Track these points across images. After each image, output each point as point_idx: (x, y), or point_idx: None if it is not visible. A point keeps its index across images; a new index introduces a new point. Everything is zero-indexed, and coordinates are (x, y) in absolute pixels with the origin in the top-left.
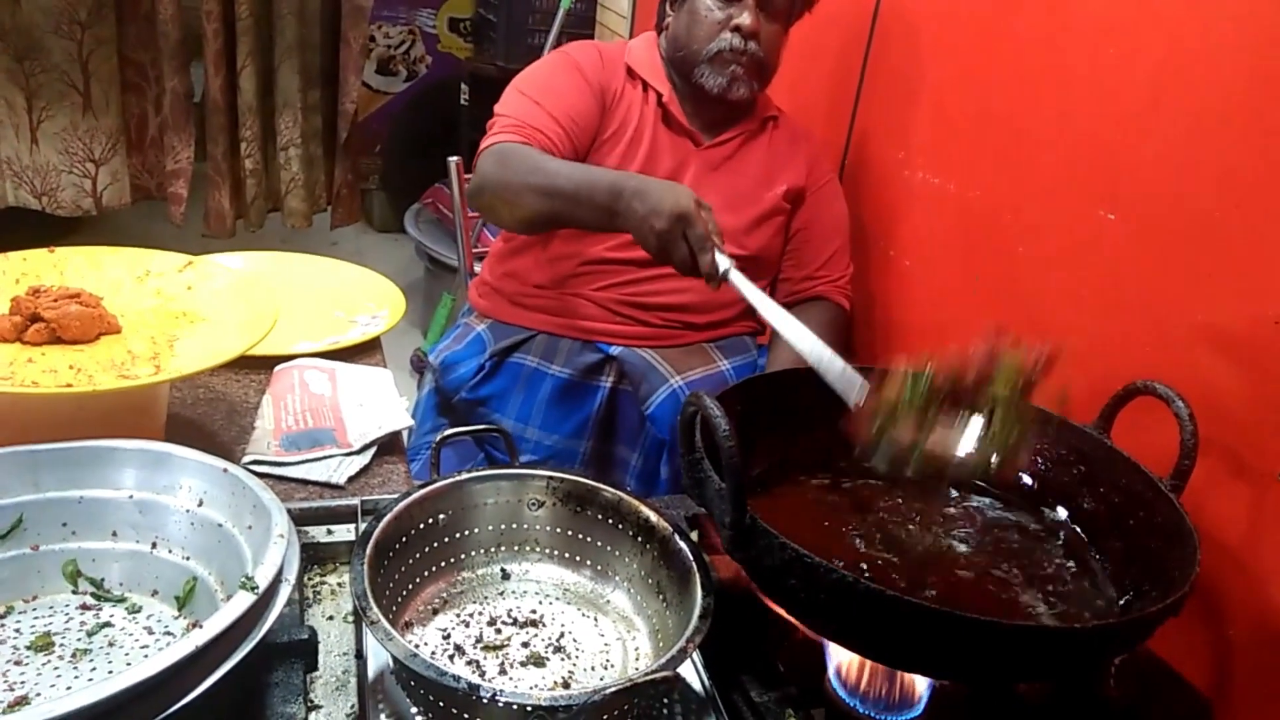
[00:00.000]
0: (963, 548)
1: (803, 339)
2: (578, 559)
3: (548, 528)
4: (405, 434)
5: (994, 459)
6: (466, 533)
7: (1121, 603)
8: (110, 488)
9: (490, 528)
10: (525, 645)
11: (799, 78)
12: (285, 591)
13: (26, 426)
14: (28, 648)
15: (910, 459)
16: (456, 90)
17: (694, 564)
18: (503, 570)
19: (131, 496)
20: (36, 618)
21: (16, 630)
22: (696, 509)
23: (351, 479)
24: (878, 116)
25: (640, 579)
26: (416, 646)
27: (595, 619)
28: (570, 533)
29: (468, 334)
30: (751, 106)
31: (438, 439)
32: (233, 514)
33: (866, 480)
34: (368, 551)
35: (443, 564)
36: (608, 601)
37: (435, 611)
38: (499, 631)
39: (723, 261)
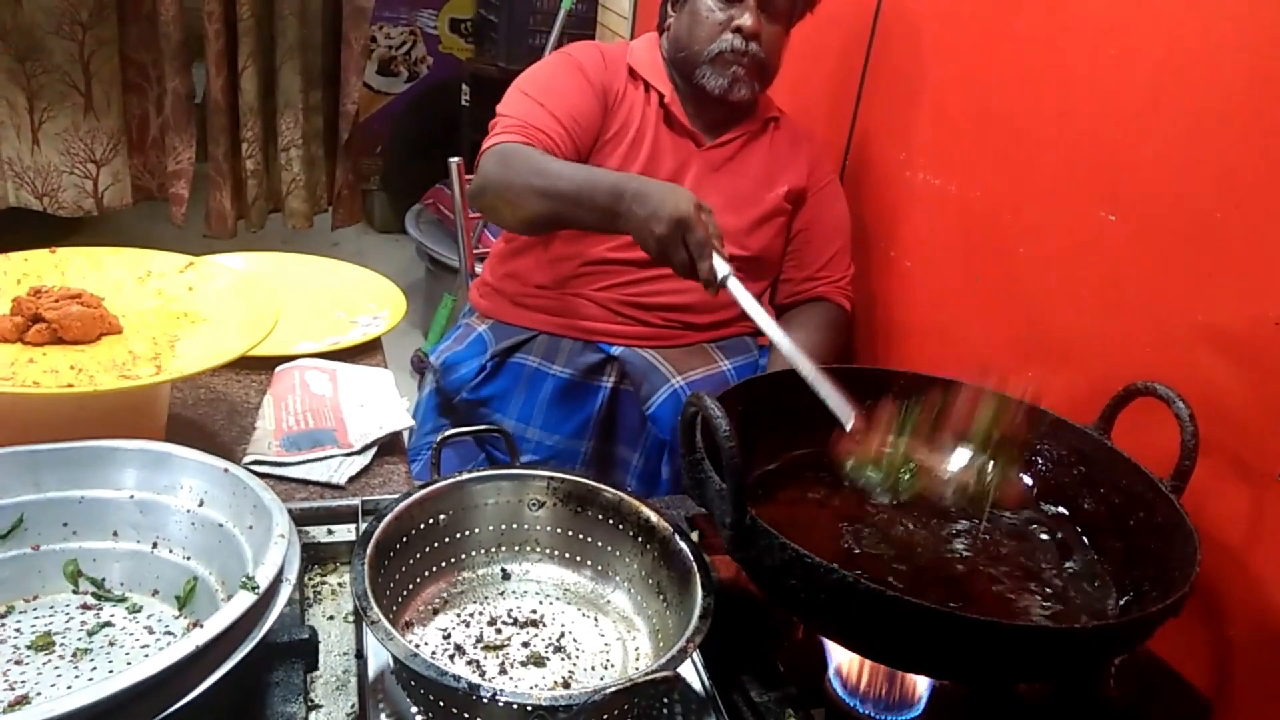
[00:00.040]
0: (962, 548)
1: (798, 363)
2: (578, 559)
3: (548, 528)
4: (406, 434)
5: (986, 492)
6: (467, 533)
7: (1121, 603)
8: (111, 488)
9: (491, 528)
10: (525, 645)
11: (800, 78)
12: (286, 591)
13: (28, 426)
14: (28, 647)
15: (897, 489)
16: (457, 91)
17: (694, 564)
18: (503, 570)
19: (132, 496)
20: (37, 617)
21: (17, 630)
22: (697, 509)
23: (352, 479)
24: (879, 117)
25: (640, 579)
26: (417, 646)
27: (595, 619)
28: (571, 533)
29: (469, 334)
30: (753, 107)
31: (438, 439)
32: (233, 514)
33: None
34: (368, 551)
35: (443, 564)
36: (608, 601)
37: (435, 611)
38: (499, 631)
39: (721, 268)
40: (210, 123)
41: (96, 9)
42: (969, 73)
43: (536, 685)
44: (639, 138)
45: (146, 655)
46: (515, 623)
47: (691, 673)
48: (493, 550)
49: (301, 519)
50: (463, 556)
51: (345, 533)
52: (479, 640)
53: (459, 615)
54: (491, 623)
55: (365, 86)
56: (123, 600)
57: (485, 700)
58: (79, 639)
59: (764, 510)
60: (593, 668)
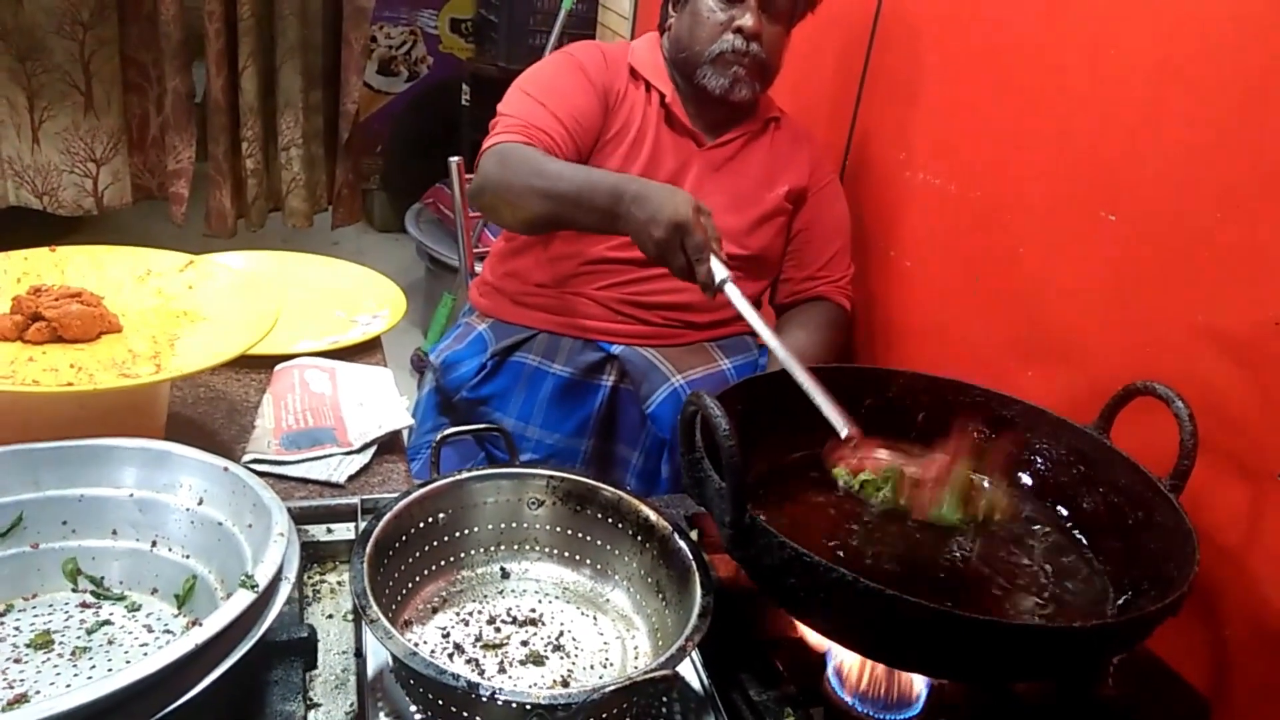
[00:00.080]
0: (962, 547)
1: (794, 371)
2: (577, 558)
3: (547, 527)
4: (405, 433)
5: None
6: (466, 532)
7: (1120, 602)
8: (110, 486)
9: (490, 527)
10: (525, 644)
11: (801, 79)
12: (285, 590)
13: (27, 425)
14: (27, 645)
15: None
16: (458, 91)
17: (693, 563)
18: (502, 569)
19: (132, 495)
20: (36, 616)
21: (16, 628)
22: (696, 508)
23: (352, 478)
24: (879, 117)
25: (640, 578)
26: (416, 645)
27: (594, 618)
28: (570, 532)
29: (469, 333)
30: (753, 107)
31: (438, 438)
32: (233, 512)
33: None
34: (368, 550)
35: (442, 563)
36: (607, 600)
37: (435, 610)
38: (498, 630)
39: (720, 272)
40: (210, 122)
41: (97, 9)
42: (969, 73)
43: (535, 684)
44: (640, 138)
45: (145, 654)
46: (514, 621)
47: (690, 671)
48: (492, 549)
49: (301, 517)
50: (462, 555)
51: (344, 531)
52: (478, 639)
53: (458, 614)
54: (490, 621)
55: (365, 86)
56: (122, 599)
57: (484, 699)
58: (78, 637)
59: (763, 509)
60: (592, 666)
